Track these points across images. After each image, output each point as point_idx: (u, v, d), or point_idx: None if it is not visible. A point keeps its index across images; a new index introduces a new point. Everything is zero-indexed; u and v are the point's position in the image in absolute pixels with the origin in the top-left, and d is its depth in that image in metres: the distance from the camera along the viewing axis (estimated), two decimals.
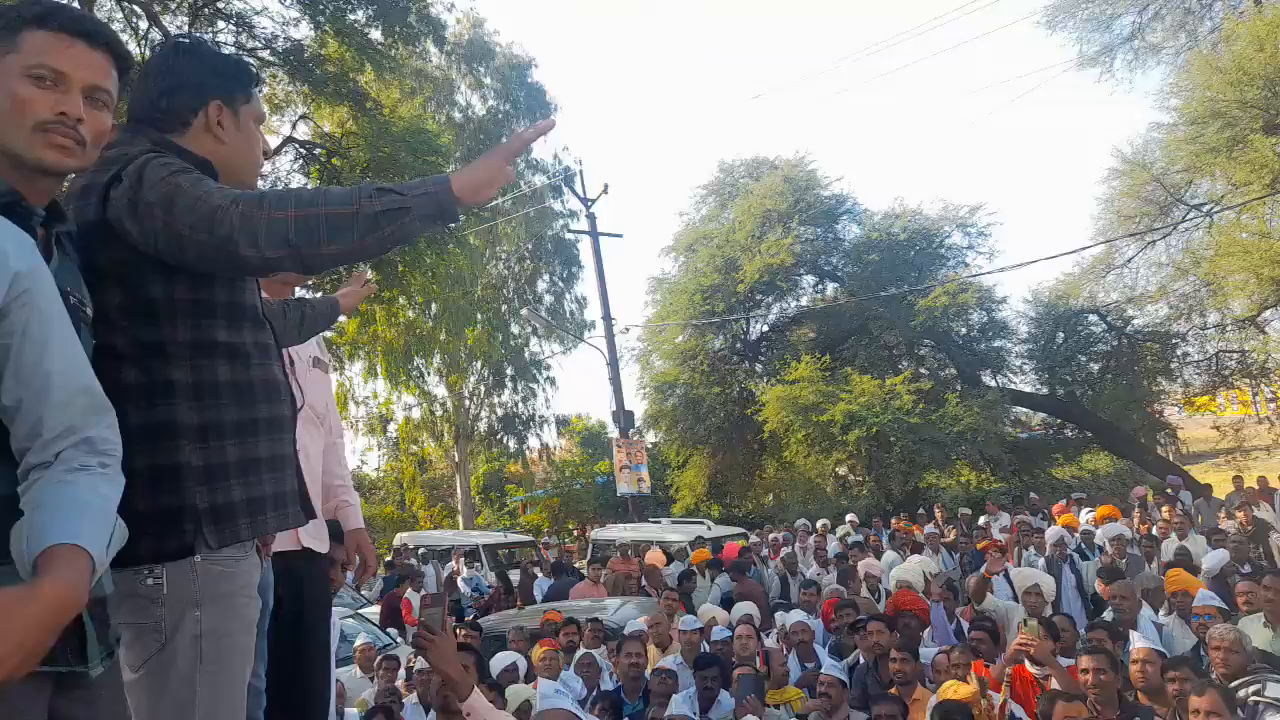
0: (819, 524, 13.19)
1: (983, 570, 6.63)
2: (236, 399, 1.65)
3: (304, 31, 12.52)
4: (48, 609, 1.10)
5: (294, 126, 13.82)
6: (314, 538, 2.35)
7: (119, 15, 11.25)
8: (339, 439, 2.84)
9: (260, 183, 2.14)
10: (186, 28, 11.25)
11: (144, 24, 11.31)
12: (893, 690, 5.10)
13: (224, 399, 1.63)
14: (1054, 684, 4.47)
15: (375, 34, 12.59)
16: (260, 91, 1.86)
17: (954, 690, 4.76)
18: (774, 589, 9.52)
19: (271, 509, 1.70)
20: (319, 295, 2.69)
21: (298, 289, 2.83)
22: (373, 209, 1.43)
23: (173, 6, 11.29)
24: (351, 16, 12.06)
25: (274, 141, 13.02)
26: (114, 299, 1.56)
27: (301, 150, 13.66)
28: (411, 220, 1.45)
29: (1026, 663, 4.68)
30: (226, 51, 2.10)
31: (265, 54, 12.05)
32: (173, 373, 1.58)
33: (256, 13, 12.14)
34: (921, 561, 8.29)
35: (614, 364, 19.21)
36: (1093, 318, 18.88)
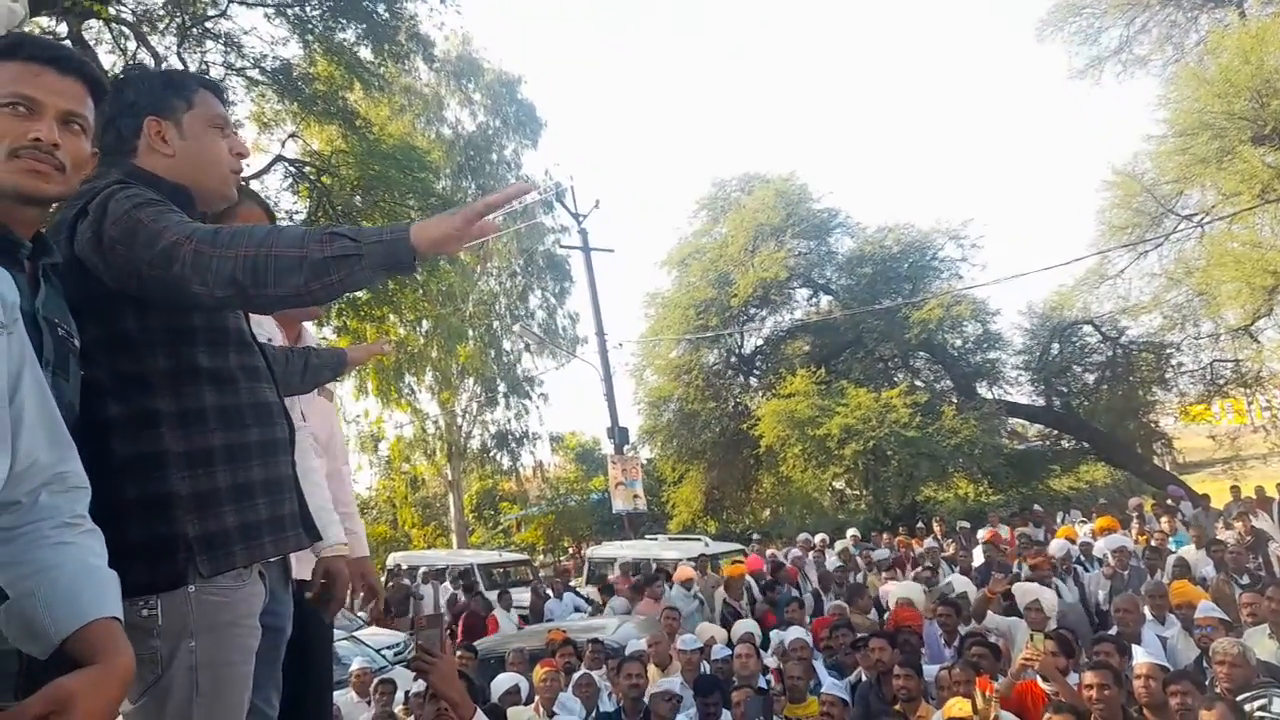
0: (818, 538, 13.11)
1: (984, 590, 6.57)
2: (225, 424, 1.63)
3: (293, 50, 12.53)
4: (122, 685, 1.14)
5: (283, 145, 13.78)
6: (305, 566, 2.28)
7: (107, 36, 11.22)
8: (344, 466, 2.78)
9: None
10: (175, 48, 11.22)
11: (132, 45, 11.28)
12: (897, 707, 5.04)
13: (211, 425, 1.61)
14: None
15: (365, 52, 12.60)
16: (214, 95, 1.80)
17: (959, 708, 4.70)
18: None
19: (269, 533, 1.68)
20: (325, 346, 2.63)
21: (308, 335, 2.75)
22: (321, 254, 1.40)
23: (160, 27, 11.26)
24: (341, 35, 12.07)
25: (264, 160, 12.97)
26: (92, 333, 1.54)
27: (291, 169, 13.61)
28: (362, 268, 1.41)
29: (1038, 679, 4.61)
30: (169, 70, 2.08)
31: (254, 73, 12.04)
32: (156, 402, 1.57)
33: (244, 32, 12.15)
34: (908, 586, 8.13)
35: (608, 379, 19.15)
36: (1087, 329, 18.89)
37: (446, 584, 14.04)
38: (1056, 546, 8.98)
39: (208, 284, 1.44)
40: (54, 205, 1.50)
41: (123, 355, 1.57)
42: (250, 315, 1.88)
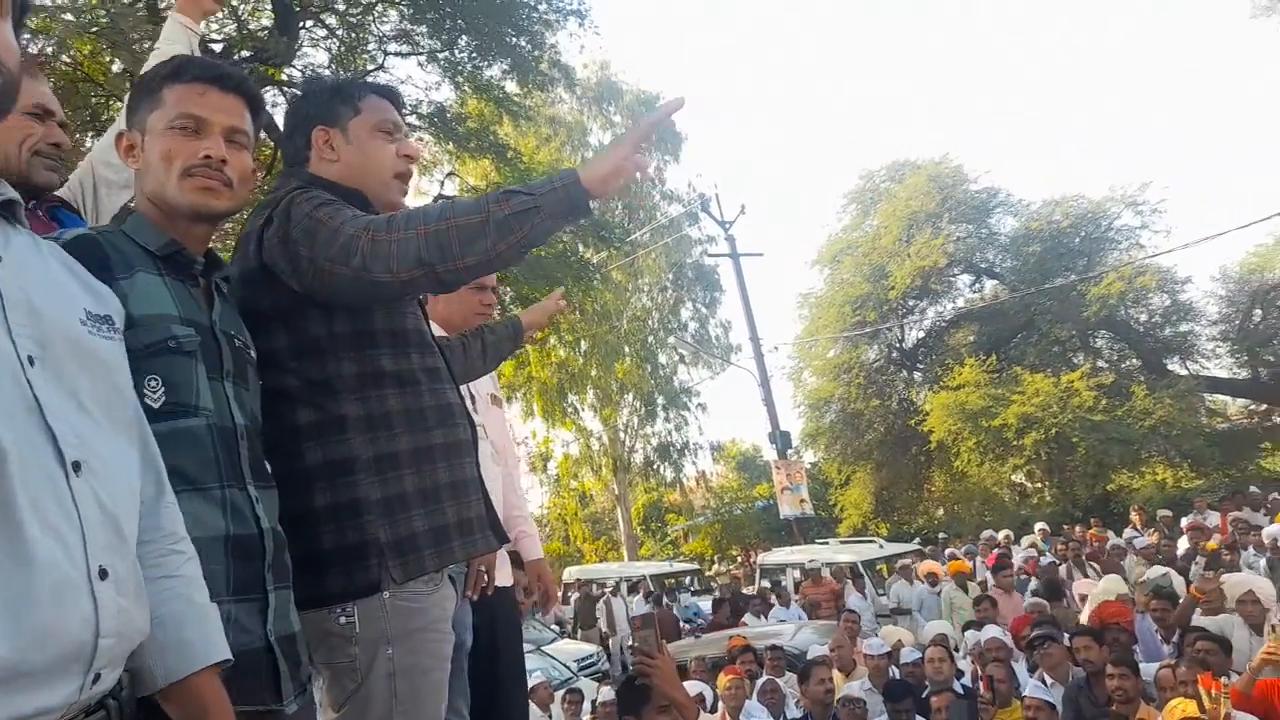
0: (1001, 535, 12.43)
1: (1190, 588, 5.98)
2: (410, 427, 1.61)
3: (445, 94, 13.18)
4: None
5: (442, 185, 14.51)
6: (504, 573, 2.35)
7: (281, 100, 12.18)
8: (515, 470, 2.84)
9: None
10: None
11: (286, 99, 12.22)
12: (1113, 709, 4.69)
13: (397, 428, 1.59)
14: None
15: (510, 85, 13.09)
16: (386, 100, 1.79)
17: (1184, 709, 4.32)
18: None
19: (457, 537, 1.64)
20: (499, 319, 2.58)
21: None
22: (502, 213, 1.40)
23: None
24: (488, 72, 12.58)
25: (425, 201, 13.71)
26: (280, 341, 1.58)
27: None
28: (543, 219, 1.41)
29: None
30: (342, 78, 2.10)
31: (412, 119, 12.73)
32: (344, 407, 1.56)
33: (401, 82, 12.88)
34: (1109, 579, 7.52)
35: (765, 384, 18.93)
36: None
37: (638, 596, 14.21)
38: (1271, 531, 8.07)
39: (391, 269, 1.43)
40: (222, 221, 1.54)
41: (311, 362, 1.58)
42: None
